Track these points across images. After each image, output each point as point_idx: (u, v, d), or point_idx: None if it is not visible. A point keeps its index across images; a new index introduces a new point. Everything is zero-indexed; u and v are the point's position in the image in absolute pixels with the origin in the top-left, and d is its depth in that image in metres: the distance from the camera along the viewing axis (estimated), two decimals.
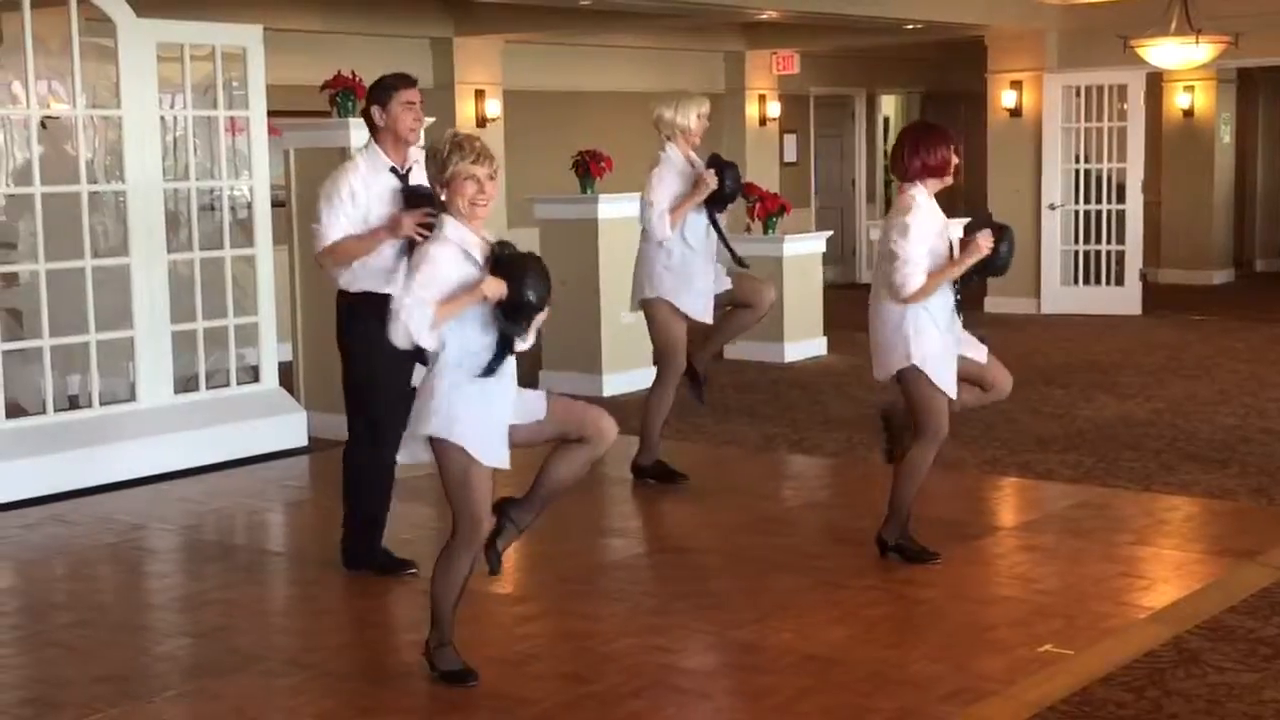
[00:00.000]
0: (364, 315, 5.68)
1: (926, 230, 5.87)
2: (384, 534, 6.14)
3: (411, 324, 4.44)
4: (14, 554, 6.71)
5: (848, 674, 4.87)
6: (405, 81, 5.94)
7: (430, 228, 5.22)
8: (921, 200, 5.91)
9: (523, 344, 4.70)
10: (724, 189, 7.30)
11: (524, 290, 4.55)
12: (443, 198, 4.63)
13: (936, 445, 6.06)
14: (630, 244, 7.84)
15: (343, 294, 5.95)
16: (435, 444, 4.63)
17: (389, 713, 4.65)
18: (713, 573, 6.15)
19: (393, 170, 5.89)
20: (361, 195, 5.81)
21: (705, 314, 7.42)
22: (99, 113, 8.11)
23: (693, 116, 7.39)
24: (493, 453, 4.66)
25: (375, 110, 5.92)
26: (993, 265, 5.99)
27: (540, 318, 4.68)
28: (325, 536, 6.39)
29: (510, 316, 4.57)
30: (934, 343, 5.95)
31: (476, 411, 4.61)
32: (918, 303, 5.85)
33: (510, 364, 4.69)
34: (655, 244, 7.34)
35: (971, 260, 5.86)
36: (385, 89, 5.93)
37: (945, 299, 5.98)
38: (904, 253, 5.82)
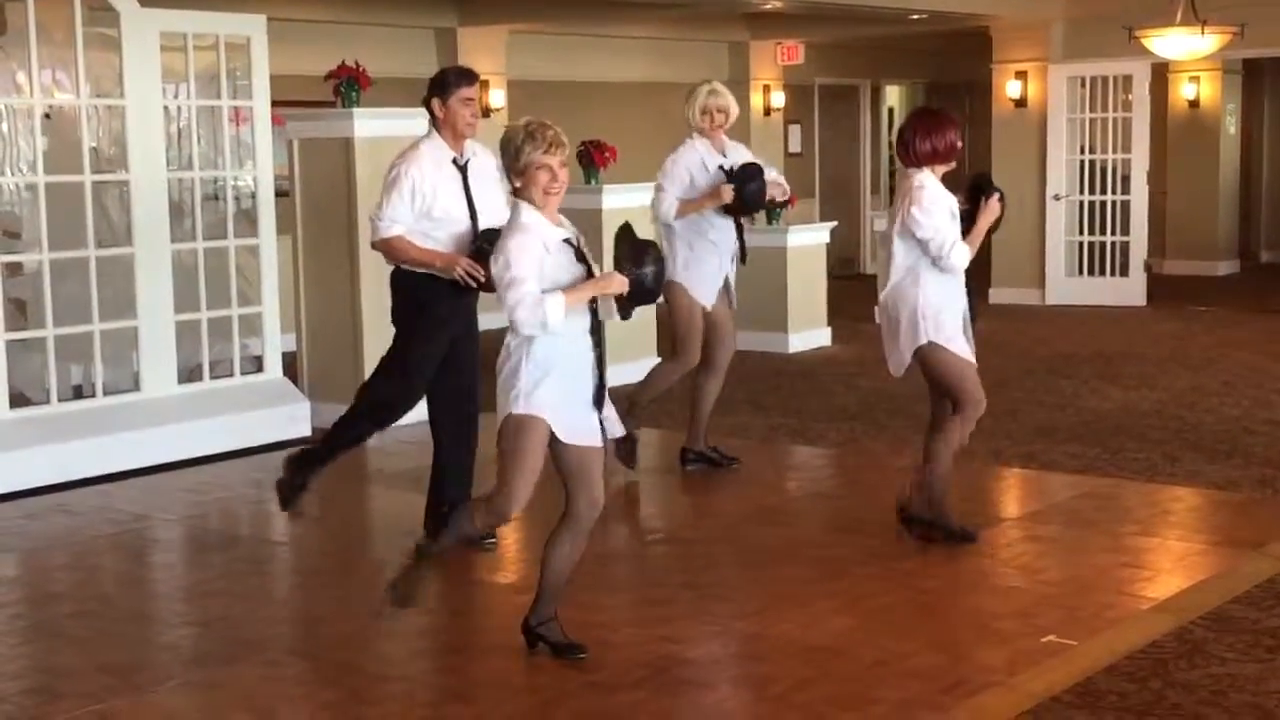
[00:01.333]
0: (433, 296, 5.95)
1: (943, 207, 5.95)
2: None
3: (539, 315, 4.56)
4: (17, 544, 6.71)
5: (850, 664, 4.87)
6: (466, 79, 6.11)
7: (476, 279, 5.70)
8: (930, 183, 5.97)
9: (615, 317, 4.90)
10: (739, 203, 7.35)
11: (645, 279, 4.77)
12: (516, 185, 4.73)
13: (977, 413, 6.14)
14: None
15: (409, 274, 6.08)
16: (521, 421, 4.68)
17: (392, 702, 4.65)
18: (716, 563, 6.15)
19: (453, 162, 6.05)
20: (423, 189, 5.97)
21: (708, 298, 7.48)
22: (103, 102, 8.10)
23: (695, 110, 7.40)
24: (575, 431, 4.71)
25: (435, 103, 6.08)
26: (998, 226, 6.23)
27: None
28: (329, 526, 6.40)
29: (631, 300, 4.78)
30: (949, 325, 6.06)
31: (557, 391, 4.68)
32: (964, 267, 6.00)
33: (588, 353, 4.77)
34: (671, 230, 7.42)
35: (990, 221, 6.06)
36: (446, 84, 6.08)
37: (959, 297, 6.06)
38: (932, 227, 5.93)
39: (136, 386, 8.16)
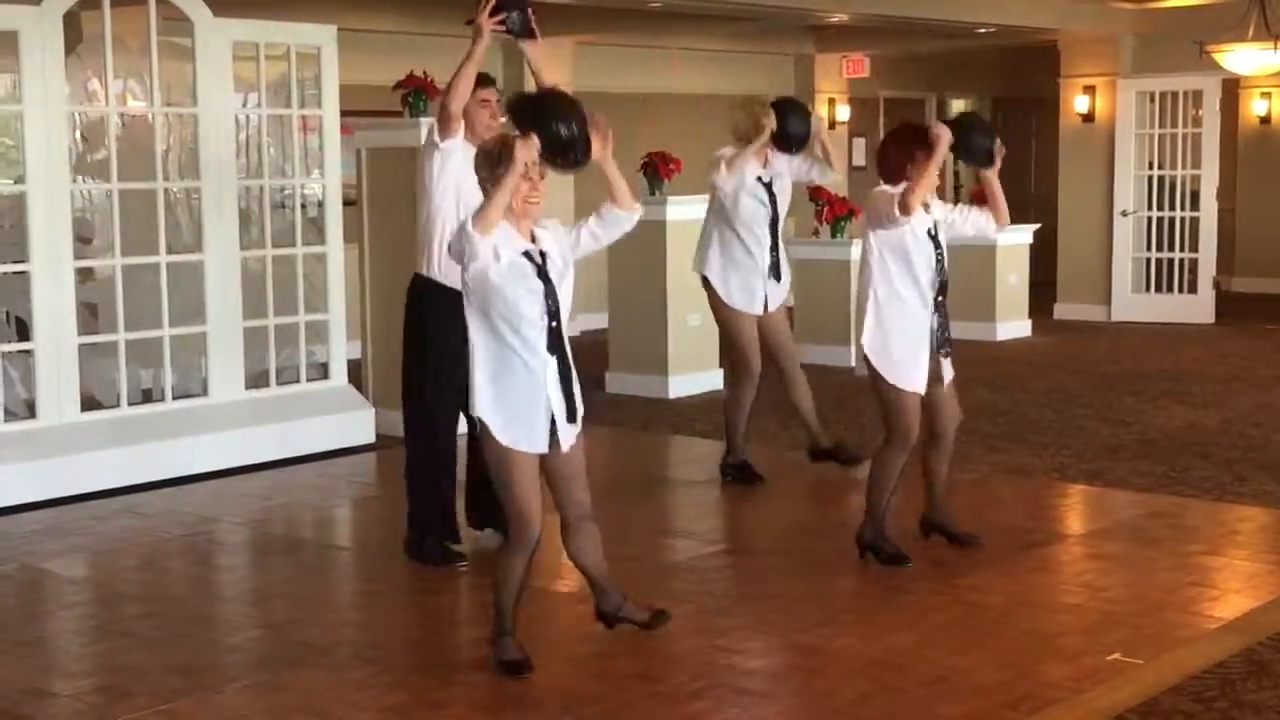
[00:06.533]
0: (441, 305, 5.90)
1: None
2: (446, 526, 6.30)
3: (466, 229, 4.58)
4: (88, 545, 6.81)
5: (912, 679, 4.85)
6: (480, 82, 6.15)
7: (504, 24, 5.92)
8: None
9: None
10: (785, 128, 7.40)
11: (555, 128, 4.67)
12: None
13: (904, 449, 6.04)
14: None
15: (426, 281, 6.11)
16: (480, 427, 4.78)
17: (455, 706, 4.68)
18: (777, 575, 6.13)
19: None
20: (457, 168, 5.96)
21: (751, 306, 7.55)
22: (175, 110, 8.22)
23: (750, 123, 7.48)
24: (523, 438, 4.73)
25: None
26: (970, 152, 6.05)
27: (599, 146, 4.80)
28: (392, 532, 6.44)
29: (559, 158, 4.70)
30: (896, 345, 5.95)
31: (507, 395, 4.70)
32: (909, 217, 5.81)
33: (549, 362, 4.74)
34: (714, 218, 7.55)
35: (941, 150, 5.87)
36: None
37: (921, 320, 5.94)
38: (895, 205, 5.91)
39: (204, 391, 8.26)
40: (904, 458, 6.07)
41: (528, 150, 4.64)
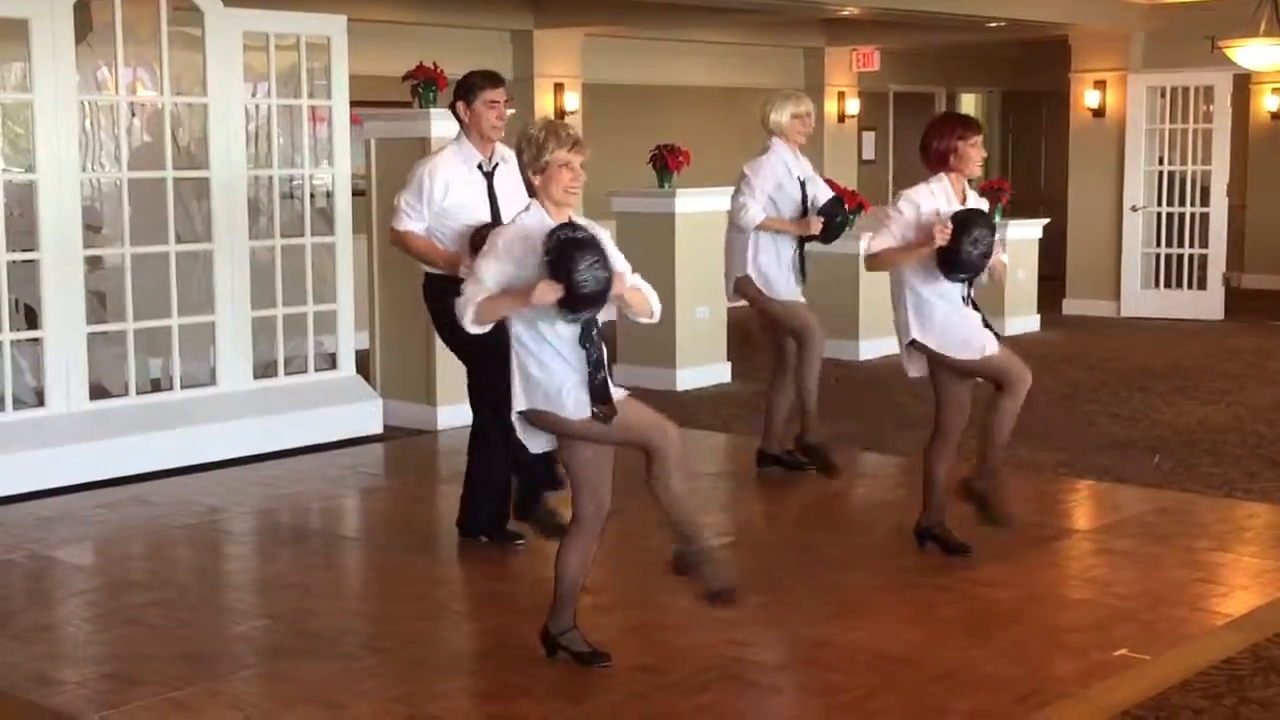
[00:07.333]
0: (441, 292, 5.92)
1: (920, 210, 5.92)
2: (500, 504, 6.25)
3: (464, 316, 4.57)
4: (96, 533, 6.82)
5: (920, 673, 4.84)
6: (491, 81, 6.10)
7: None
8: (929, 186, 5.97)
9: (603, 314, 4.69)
10: (825, 237, 7.41)
11: (577, 283, 4.44)
12: (535, 182, 4.64)
13: (952, 437, 6.13)
14: (707, 238, 7.88)
15: (430, 278, 6.20)
16: (534, 419, 4.67)
17: (462, 697, 4.68)
18: (786, 569, 6.13)
19: (479, 166, 6.06)
20: (438, 188, 6.00)
21: (790, 293, 7.47)
22: (185, 100, 8.21)
23: (786, 115, 7.41)
24: (579, 405, 4.62)
25: (460, 106, 6.10)
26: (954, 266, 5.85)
27: (618, 290, 4.61)
28: (400, 522, 6.45)
29: (571, 309, 4.51)
30: (946, 326, 5.94)
31: (544, 379, 4.63)
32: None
33: (581, 354, 4.66)
34: (739, 232, 7.45)
35: (927, 250, 5.76)
36: (471, 88, 6.09)
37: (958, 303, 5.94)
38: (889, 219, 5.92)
39: (213, 381, 8.26)
40: (952, 444, 6.09)
41: (547, 294, 4.44)
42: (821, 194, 7.49)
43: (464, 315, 4.58)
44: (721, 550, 4.90)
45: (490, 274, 4.57)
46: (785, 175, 7.41)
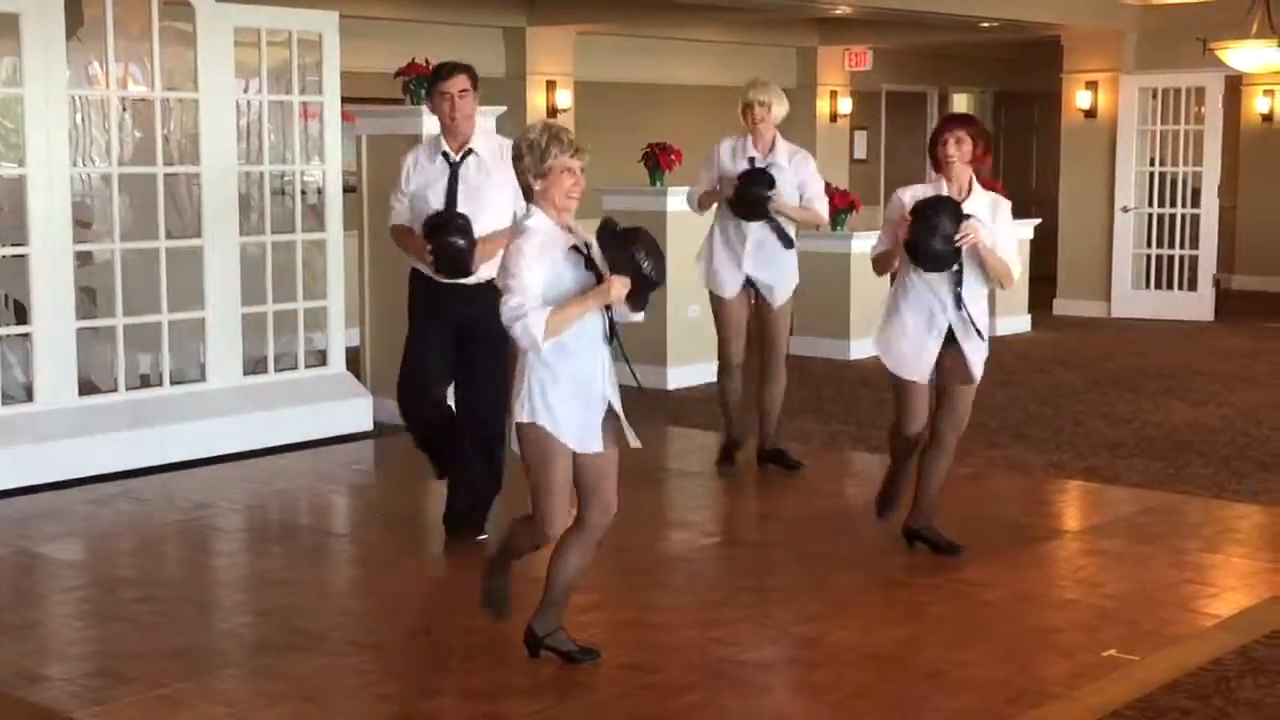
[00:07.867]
0: (419, 290, 6.26)
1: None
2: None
3: (532, 334, 4.49)
4: (84, 529, 6.81)
5: (908, 673, 4.85)
6: (440, 74, 6.20)
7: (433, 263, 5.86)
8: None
9: (636, 317, 4.75)
10: (735, 201, 7.33)
11: (642, 271, 4.59)
12: (536, 187, 4.64)
13: (904, 449, 6.14)
14: (698, 236, 7.88)
15: (411, 271, 6.34)
16: (522, 430, 4.66)
17: (450, 696, 4.67)
18: (775, 567, 6.13)
19: (444, 155, 6.18)
20: (413, 176, 6.21)
21: (727, 289, 7.51)
22: (176, 95, 8.19)
23: (739, 105, 7.47)
24: (584, 440, 4.65)
25: (427, 101, 6.37)
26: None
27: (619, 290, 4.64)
28: (389, 520, 6.44)
29: (642, 299, 4.64)
30: (895, 343, 5.99)
31: (565, 399, 4.61)
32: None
33: (603, 352, 4.67)
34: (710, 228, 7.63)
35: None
36: (430, 80, 6.29)
37: (924, 309, 5.93)
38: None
39: (203, 377, 8.25)
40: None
41: (619, 289, 4.55)
42: (783, 179, 7.39)
43: (532, 333, 4.48)
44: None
45: (535, 284, 4.51)
46: (729, 158, 7.44)
